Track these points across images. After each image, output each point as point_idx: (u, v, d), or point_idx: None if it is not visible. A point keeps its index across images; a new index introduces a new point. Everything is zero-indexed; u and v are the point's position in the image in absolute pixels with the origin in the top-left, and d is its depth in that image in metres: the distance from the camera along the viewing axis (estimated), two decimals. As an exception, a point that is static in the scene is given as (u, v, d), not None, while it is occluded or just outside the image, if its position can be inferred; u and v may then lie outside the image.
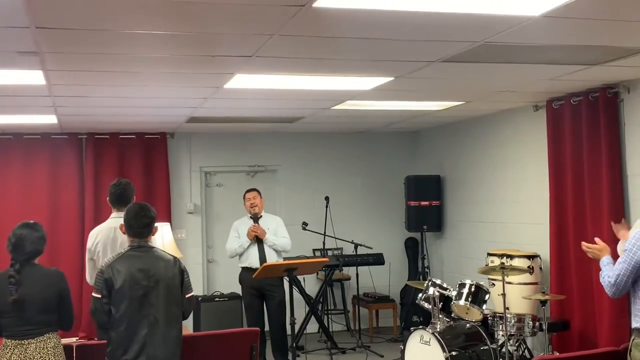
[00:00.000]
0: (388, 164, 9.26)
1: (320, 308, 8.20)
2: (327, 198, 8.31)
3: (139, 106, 6.28)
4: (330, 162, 9.07)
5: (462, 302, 5.78)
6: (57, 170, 8.00)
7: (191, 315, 7.70)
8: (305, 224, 7.60)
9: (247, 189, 7.07)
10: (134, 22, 3.52)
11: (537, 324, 5.75)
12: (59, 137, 8.01)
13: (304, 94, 5.80)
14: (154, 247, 4.03)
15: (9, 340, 3.90)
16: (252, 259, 6.75)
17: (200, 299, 7.80)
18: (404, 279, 8.83)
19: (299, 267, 6.24)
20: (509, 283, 5.98)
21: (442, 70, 4.91)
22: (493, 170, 7.60)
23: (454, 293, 5.88)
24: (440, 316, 5.78)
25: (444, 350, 5.41)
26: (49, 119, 6.88)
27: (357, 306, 8.62)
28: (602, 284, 3.72)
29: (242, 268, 6.86)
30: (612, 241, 4.60)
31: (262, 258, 6.71)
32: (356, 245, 7.81)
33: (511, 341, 5.69)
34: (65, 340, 4.28)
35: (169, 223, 6.94)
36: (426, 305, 5.98)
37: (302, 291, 7.76)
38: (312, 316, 7.88)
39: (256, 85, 5.33)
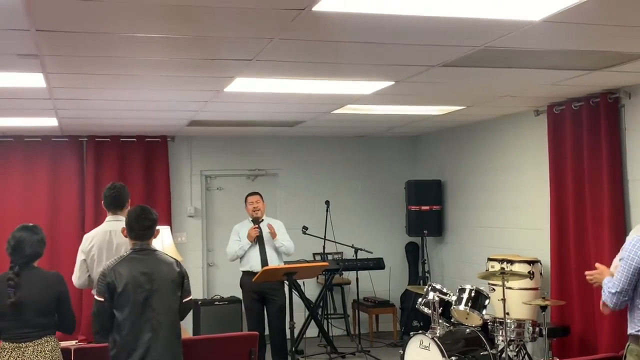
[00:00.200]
0: (388, 168, 9.25)
1: (320, 312, 8.19)
2: (327, 202, 8.31)
3: (140, 109, 6.28)
4: (331, 166, 9.07)
5: (462, 307, 5.76)
6: (57, 173, 7.99)
7: (191, 319, 7.78)
8: (305, 228, 7.59)
9: (248, 193, 7.06)
10: (134, 25, 3.51)
11: (537, 329, 5.75)
12: (59, 140, 8.00)
13: (304, 97, 5.80)
14: (156, 250, 4.02)
15: (7, 343, 3.90)
16: (253, 262, 6.73)
17: (200, 302, 7.79)
18: (404, 284, 8.82)
19: (299, 271, 6.23)
20: (509, 288, 5.97)
21: (442, 74, 4.90)
22: (494, 175, 7.59)
23: (453, 298, 5.86)
24: (440, 321, 5.76)
25: (443, 355, 5.39)
26: (49, 122, 6.87)
27: (357, 310, 8.60)
28: (604, 300, 3.77)
29: (243, 272, 6.84)
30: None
31: (264, 260, 6.70)
32: (356, 250, 7.79)
33: (511, 346, 5.68)
34: (63, 344, 4.28)
35: (169, 226, 6.94)
36: (426, 310, 5.97)
37: (302, 295, 7.74)
38: (312, 320, 7.87)
39: (256, 89, 5.32)
